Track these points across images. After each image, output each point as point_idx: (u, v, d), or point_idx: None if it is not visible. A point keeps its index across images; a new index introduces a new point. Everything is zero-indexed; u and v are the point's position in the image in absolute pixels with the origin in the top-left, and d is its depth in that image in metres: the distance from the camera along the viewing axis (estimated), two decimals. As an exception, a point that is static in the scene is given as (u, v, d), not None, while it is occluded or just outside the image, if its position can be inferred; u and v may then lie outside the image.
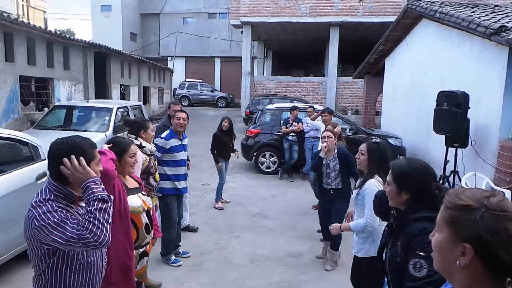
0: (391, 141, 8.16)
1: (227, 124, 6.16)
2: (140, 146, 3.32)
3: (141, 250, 2.48)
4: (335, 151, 4.06)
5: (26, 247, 3.48)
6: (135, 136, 3.40)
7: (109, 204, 1.59)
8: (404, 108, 9.65)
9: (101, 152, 2.15)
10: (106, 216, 1.56)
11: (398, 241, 1.64)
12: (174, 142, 3.99)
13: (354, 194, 2.87)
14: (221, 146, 6.08)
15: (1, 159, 3.99)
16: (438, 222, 0.92)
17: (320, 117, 6.67)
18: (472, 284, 0.86)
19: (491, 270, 0.83)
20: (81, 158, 1.60)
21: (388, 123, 10.98)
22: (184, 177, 4.17)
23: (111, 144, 2.47)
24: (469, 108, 5.52)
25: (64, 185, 1.64)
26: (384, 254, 1.78)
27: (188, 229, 4.93)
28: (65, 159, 1.59)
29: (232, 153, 6.31)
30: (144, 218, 2.46)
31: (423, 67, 8.59)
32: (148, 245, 2.56)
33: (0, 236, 3.32)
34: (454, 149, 5.81)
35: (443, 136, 5.82)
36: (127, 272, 2.21)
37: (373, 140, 2.69)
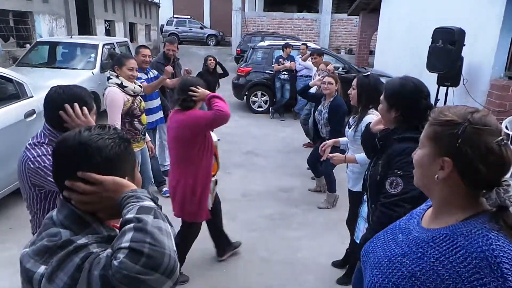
0: (383, 80, 8.08)
1: (213, 62, 6.00)
2: (121, 86, 3.09)
3: (214, 178, 2.78)
4: (331, 100, 3.94)
5: (18, 185, 3.55)
6: (116, 74, 3.13)
7: None
8: (399, 46, 9.45)
9: (215, 96, 2.54)
10: None
11: (380, 160, 1.70)
12: (141, 76, 3.84)
13: (351, 132, 2.80)
14: (207, 86, 5.97)
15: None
16: (422, 139, 0.95)
17: (310, 58, 6.55)
18: (449, 197, 0.90)
19: (468, 183, 0.87)
20: (84, 108, 1.60)
21: (382, 62, 10.82)
22: (159, 108, 4.22)
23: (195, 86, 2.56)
24: (464, 45, 5.42)
25: (59, 131, 1.61)
26: (366, 173, 1.86)
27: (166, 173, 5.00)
28: (67, 106, 1.57)
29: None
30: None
31: (420, 3, 8.26)
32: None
33: (-6, 173, 3.35)
34: (445, 88, 5.81)
35: (436, 76, 5.79)
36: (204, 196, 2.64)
37: (363, 74, 2.65)
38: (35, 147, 1.60)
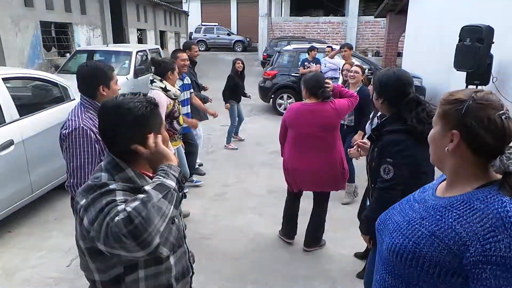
0: (410, 81, 8.04)
1: (241, 64, 6.21)
2: (165, 90, 3.28)
3: None
4: (357, 89, 4.08)
5: (63, 179, 3.85)
6: (160, 78, 3.32)
7: None
8: (427, 46, 9.33)
9: (341, 86, 3.11)
10: None
11: (376, 148, 1.93)
12: (177, 83, 3.89)
13: (368, 125, 3.00)
14: (235, 88, 6.19)
15: (36, 98, 4.28)
16: (434, 119, 1.07)
17: (339, 53, 6.59)
18: (459, 167, 1.00)
19: (475, 153, 0.97)
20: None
21: (410, 63, 10.69)
22: (188, 116, 4.25)
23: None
24: (493, 43, 5.33)
25: (94, 99, 2.11)
26: (367, 159, 2.11)
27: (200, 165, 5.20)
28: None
29: (246, 97, 6.48)
30: None
31: (448, 3, 8.16)
32: None
33: (41, 168, 3.67)
34: (474, 86, 5.73)
35: (465, 74, 5.72)
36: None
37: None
38: (78, 118, 2.04)
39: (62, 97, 4.26)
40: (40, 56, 8.84)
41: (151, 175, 1.26)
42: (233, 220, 3.85)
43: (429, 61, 9.05)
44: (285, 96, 8.60)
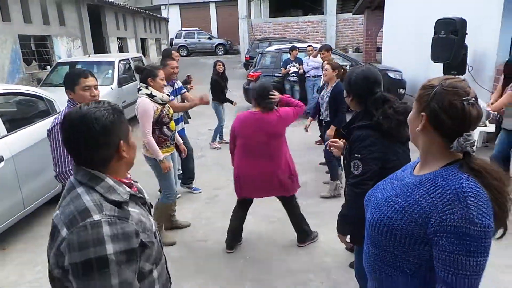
0: (391, 74, 8.25)
1: (221, 66, 6.31)
2: (150, 96, 3.23)
3: None
4: (334, 84, 4.26)
5: (55, 192, 3.85)
6: (145, 85, 3.29)
7: None
8: (405, 40, 9.58)
9: (289, 97, 3.20)
10: None
11: (348, 144, 2.00)
12: (168, 89, 3.99)
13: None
14: (219, 90, 6.31)
15: (22, 113, 4.26)
16: (413, 104, 1.18)
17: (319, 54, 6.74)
18: (429, 147, 1.14)
19: (440, 134, 1.09)
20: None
21: (389, 58, 10.94)
22: (181, 119, 4.46)
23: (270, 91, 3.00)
24: (467, 34, 5.54)
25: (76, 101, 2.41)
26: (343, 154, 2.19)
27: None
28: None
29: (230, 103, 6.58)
30: None
31: (423, -4, 8.40)
32: None
33: (32, 183, 3.67)
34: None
35: (442, 66, 5.91)
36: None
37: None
38: (61, 115, 2.38)
39: (48, 110, 4.26)
40: (21, 70, 8.73)
41: (126, 181, 1.24)
42: (225, 221, 3.90)
43: (408, 54, 9.29)
44: (270, 96, 8.68)
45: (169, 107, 3.50)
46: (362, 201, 1.36)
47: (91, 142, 1.13)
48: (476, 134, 5.39)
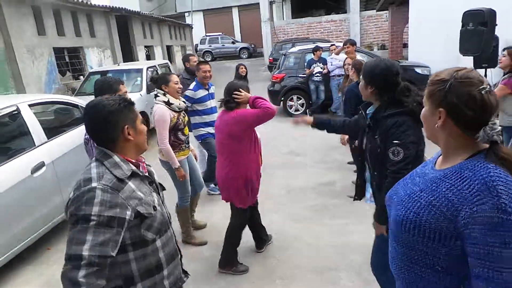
0: (418, 70, 8.08)
1: (244, 69, 6.37)
2: (168, 103, 3.29)
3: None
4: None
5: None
6: (163, 92, 3.34)
7: None
8: (432, 35, 9.34)
9: (259, 97, 2.83)
10: None
11: (376, 135, 1.99)
12: (201, 92, 4.27)
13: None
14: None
15: (59, 121, 4.52)
16: (424, 100, 1.17)
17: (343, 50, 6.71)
18: (450, 141, 1.12)
19: (461, 127, 1.07)
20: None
21: (417, 53, 10.69)
22: (215, 109, 4.50)
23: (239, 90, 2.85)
24: (497, 25, 5.36)
25: None
26: (364, 146, 2.15)
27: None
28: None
29: None
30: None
31: (449, -11, 8.17)
32: None
33: (71, 186, 3.88)
34: (484, 70, 5.74)
35: (472, 59, 5.73)
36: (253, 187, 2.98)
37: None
38: None
39: (83, 117, 4.49)
40: (56, 81, 9.20)
41: (133, 161, 1.49)
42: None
43: (436, 49, 9.05)
44: (294, 97, 8.71)
45: (184, 114, 3.54)
46: None
47: (99, 124, 1.42)
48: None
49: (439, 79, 1.10)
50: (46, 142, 3.71)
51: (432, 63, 8.79)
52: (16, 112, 3.56)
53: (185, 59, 5.27)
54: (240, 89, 2.84)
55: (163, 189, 1.68)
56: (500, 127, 1.07)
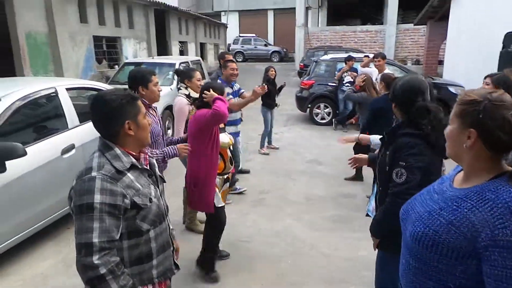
0: (452, 89, 7.86)
1: (273, 72, 6.36)
2: (188, 96, 3.41)
3: (225, 176, 3.06)
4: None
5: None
6: (185, 86, 3.50)
7: None
8: (470, 53, 9.07)
9: (219, 98, 2.73)
10: None
11: (388, 151, 1.93)
12: (227, 90, 4.24)
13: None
14: (266, 95, 6.32)
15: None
16: (451, 117, 1.16)
17: (373, 63, 6.59)
18: (476, 161, 1.11)
19: (490, 149, 1.07)
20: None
21: (452, 71, 10.41)
22: (240, 121, 4.60)
23: (211, 89, 2.81)
24: (540, 50, 5.17)
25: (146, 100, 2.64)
26: (377, 160, 2.10)
27: (241, 171, 5.43)
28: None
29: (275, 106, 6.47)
30: (229, 153, 3.05)
31: (492, 7, 7.92)
32: (229, 173, 3.13)
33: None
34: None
35: None
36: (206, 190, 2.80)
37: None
38: None
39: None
40: (93, 68, 9.54)
41: (134, 154, 1.54)
42: (271, 225, 3.98)
43: (472, 68, 8.78)
44: (322, 105, 8.66)
45: None
46: (399, 210, 1.35)
47: (101, 118, 1.49)
48: None
49: (471, 99, 1.09)
50: (78, 126, 3.85)
51: (467, 82, 8.53)
52: (54, 94, 3.72)
53: (221, 56, 5.35)
54: (212, 89, 2.79)
55: (163, 181, 1.74)
56: None
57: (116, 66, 10.12)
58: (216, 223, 2.95)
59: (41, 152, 3.38)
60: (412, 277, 1.20)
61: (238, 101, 4.32)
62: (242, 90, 4.67)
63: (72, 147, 3.66)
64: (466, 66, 9.25)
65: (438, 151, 1.81)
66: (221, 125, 3.00)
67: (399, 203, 1.72)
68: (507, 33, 5.51)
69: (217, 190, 2.90)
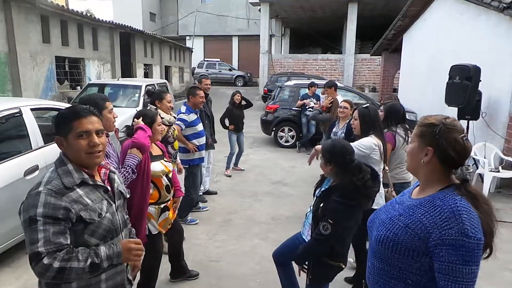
0: (408, 116, 8.41)
1: (239, 97, 6.55)
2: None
3: (162, 205, 2.87)
4: (347, 121, 4.45)
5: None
6: (155, 107, 3.57)
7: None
8: (421, 83, 9.83)
9: (140, 128, 2.67)
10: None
11: (321, 205, 2.26)
12: (193, 116, 4.40)
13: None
14: (233, 119, 6.50)
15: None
16: (412, 137, 1.38)
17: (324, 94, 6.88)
18: (430, 175, 1.32)
19: (443, 164, 1.29)
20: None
21: (405, 99, 11.12)
22: (203, 147, 4.60)
23: (141, 117, 2.81)
24: (480, 81, 5.71)
25: None
26: (313, 204, 2.44)
27: (208, 192, 5.51)
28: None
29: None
30: (165, 180, 2.88)
31: (439, 42, 8.72)
32: (169, 201, 2.95)
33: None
34: (466, 121, 6.07)
35: (456, 110, 6.06)
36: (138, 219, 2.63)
37: (363, 106, 3.08)
38: None
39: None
40: (53, 88, 9.28)
41: (86, 170, 1.56)
42: (239, 244, 4.04)
43: (423, 97, 9.51)
44: (286, 129, 8.94)
45: (174, 128, 3.77)
46: (319, 251, 1.77)
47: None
48: (488, 179, 5.46)
49: (430, 122, 1.31)
50: (42, 147, 3.77)
51: (419, 110, 9.20)
52: (18, 114, 3.64)
53: (199, 80, 5.33)
54: (143, 117, 2.81)
55: (124, 197, 1.74)
56: (473, 170, 1.27)
57: (78, 87, 9.92)
58: (150, 250, 2.71)
59: (2, 173, 3.27)
60: (377, 277, 1.37)
61: (181, 136, 4.28)
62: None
63: (36, 168, 3.57)
64: (418, 94, 10.00)
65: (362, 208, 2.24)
66: (159, 152, 2.94)
67: (318, 249, 2.22)
68: (453, 66, 6.07)
69: (152, 219, 2.80)
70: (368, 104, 3.12)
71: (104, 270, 1.52)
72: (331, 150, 2.30)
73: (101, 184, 1.60)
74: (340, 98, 6.00)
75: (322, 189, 2.40)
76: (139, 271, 1.95)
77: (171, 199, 2.99)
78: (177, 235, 3.19)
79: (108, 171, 1.68)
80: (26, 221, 1.41)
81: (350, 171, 2.20)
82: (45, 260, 1.38)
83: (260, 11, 18.20)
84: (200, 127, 4.51)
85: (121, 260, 1.53)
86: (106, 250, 1.49)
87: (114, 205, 1.62)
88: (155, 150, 2.93)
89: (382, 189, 2.93)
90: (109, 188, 1.63)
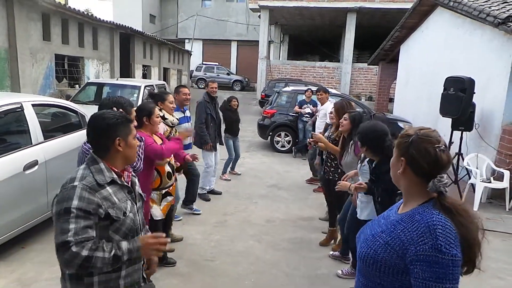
0: (401, 124, 8.55)
1: (236, 103, 6.58)
2: (163, 118, 3.55)
3: (163, 191, 3.14)
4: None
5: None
6: (159, 108, 3.62)
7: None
8: (416, 93, 9.98)
9: (177, 139, 3.00)
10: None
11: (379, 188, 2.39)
12: (178, 115, 4.38)
13: (359, 165, 3.28)
14: (228, 124, 6.53)
15: (56, 124, 4.63)
16: (393, 150, 1.38)
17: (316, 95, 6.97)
18: (408, 185, 1.31)
19: (417, 175, 1.26)
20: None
21: (401, 108, 11.31)
22: (190, 145, 4.67)
23: (137, 108, 2.96)
24: (474, 93, 5.82)
25: None
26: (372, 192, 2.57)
27: (213, 192, 5.59)
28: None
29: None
30: (167, 168, 3.14)
31: (436, 54, 8.88)
32: (170, 187, 3.23)
33: (58, 189, 3.92)
34: (460, 132, 6.17)
35: (450, 120, 6.17)
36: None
37: (353, 111, 3.55)
38: None
39: (80, 124, 4.61)
40: (52, 86, 9.29)
41: (116, 170, 1.66)
42: (234, 245, 4.09)
43: (418, 107, 9.64)
44: (282, 134, 9.02)
45: (176, 130, 3.86)
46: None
47: (97, 133, 1.65)
48: (480, 189, 5.55)
49: (406, 133, 1.33)
50: (42, 142, 3.80)
51: (414, 120, 9.33)
52: (20, 109, 3.67)
53: (206, 84, 5.56)
54: (140, 110, 2.99)
55: (143, 199, 1.87)
56: (447, 181, 1.25)
57: (77, 86, 9.94)
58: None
59: (2, 167, 3.30)
60: None
61: (170, 148, 4.45)
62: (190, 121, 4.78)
63: (35, 163, 3.60)
64: (413, 104, 10.14)
65: None
66: (159, 142, 3.13)
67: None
68: (448, 77, 6.19)
69: (155, 204, 3.03)
70: (357, 110, 3.51)
71: (124, 265, 1.59)
72: (365, 133, 2.50)
73: (126, 184, 1.70)
74: (329, 105, 6.03)
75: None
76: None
77: (173, 184, 3.24)
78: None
79: (130, 174, 1.77)
80: (60, 211, 1.48)
81: (388, 150, 2.23)
82: (74, 248, 1.43)
83: (259, 17, 18.35)
84: (186, 126, 4.54)
85: (140, 254, 1.60)
86: (126, 244, 1.56)
87: (136, 206, 1.72)
88: (157, 140, 3.11)
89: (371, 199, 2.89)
90: (132, 189, 1.74)
